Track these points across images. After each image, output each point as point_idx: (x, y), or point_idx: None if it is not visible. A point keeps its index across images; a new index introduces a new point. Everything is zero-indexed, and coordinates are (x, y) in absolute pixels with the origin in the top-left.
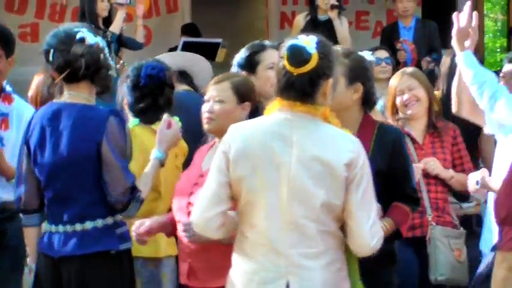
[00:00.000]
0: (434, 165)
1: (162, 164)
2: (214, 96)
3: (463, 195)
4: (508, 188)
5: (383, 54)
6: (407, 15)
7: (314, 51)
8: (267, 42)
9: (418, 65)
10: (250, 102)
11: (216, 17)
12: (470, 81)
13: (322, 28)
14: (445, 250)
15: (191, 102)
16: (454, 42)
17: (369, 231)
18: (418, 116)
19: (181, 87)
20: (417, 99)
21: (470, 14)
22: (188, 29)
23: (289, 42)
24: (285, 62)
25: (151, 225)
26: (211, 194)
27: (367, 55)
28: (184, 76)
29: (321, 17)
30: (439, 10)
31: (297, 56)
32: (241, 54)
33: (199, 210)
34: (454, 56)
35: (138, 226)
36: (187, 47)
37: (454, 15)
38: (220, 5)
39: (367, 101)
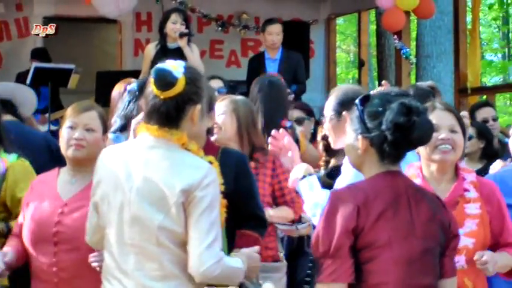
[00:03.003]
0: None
1: None
2: (85, 124)
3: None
4: (327, 222)
5: (218, 83)
6: (275, 47)
7: (181, 76)
8: None
9: None
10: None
11: (69, 43)
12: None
13: (173, 56)
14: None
15: (18, 132)
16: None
17: (200, 254)
18: (221, 144)
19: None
20: (219, 127)
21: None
22: (38, 54)
23: (156, 66)
24: (152, 86)
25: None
26: (90, 220)
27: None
28: (8, 106)
29: (171, 45)
30: (296, 41)
31: (162, 79)
32: (133, 86)
33: (87, 236)
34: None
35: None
36: (38, 73)
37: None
38: (73, 31)
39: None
